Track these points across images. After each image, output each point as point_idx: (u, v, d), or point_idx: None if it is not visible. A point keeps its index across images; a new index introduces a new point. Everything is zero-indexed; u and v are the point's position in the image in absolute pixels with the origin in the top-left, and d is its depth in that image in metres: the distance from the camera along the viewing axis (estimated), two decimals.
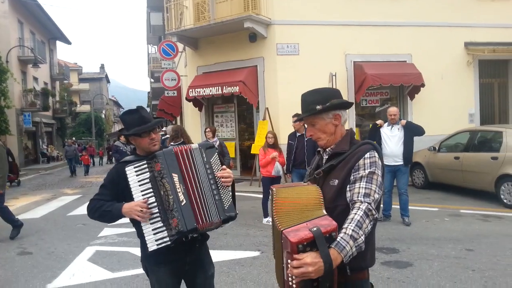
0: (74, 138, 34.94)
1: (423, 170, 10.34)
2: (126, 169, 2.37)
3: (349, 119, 12.04)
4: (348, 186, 1.85)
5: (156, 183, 2.34)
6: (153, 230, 2.31)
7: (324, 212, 1.77)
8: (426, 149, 10.21)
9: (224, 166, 2.45)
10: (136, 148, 2.58)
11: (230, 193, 2.40)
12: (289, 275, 1.66)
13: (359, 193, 1.80)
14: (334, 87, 9.98)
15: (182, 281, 2.65)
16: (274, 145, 7.31)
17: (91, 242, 6.59)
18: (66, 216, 9.00)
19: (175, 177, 2.32)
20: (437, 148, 9.88)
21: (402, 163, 6.87)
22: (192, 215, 2.30)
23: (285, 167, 7.48)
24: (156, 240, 2.30)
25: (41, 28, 32.20)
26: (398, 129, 6.99)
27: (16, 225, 7.06)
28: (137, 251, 5.78)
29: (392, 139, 6.93)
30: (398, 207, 7.07)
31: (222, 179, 2.38)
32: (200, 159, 2.40)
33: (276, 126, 11.46)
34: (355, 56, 12.24)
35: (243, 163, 13.84)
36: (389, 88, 12.63)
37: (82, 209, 9.77)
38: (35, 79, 30.99)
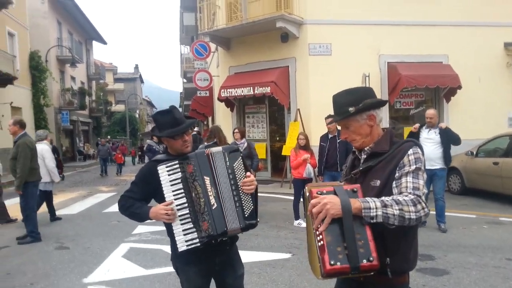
0: (109, 137, 35.76)
1: (459, 175, 10.02)
2: (158, 168, 2.38)
3: (383, 122, 11.81)
4: (394, 183, 1.80)
5: (187, 184, 2.34)
6: (183, 230, 2.33)
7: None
8: (463, 154, 9.88)
9: (248, 173, 2.40)
10: (168, 148, 2.58)
11: (252, 200, 2.37)
12: (316, 234, 1.66)
13: (407, 187, 1.75)
14: None
15: (212, 280, 2.66)
16: (306, 147, 7.27)
17: (125, 239, 6.74)
18: (102, 213, 9.25)
19: (207, 180, 2.33)
20: (474, 153, 9.55)
21: (438, 167, 6.66)
22: (222, 219, 2.31)
23: (316, 169, 7.42)
24: (186, 241, 2.32)
25: (78, 28, 33.32)
26: (435, 132, 6.76)
27: (31, 235, 6.68)
28: (169, 249, 5.90)
29: (428, 142, 6.73)
30: (434, 213, 6.88)
31: (244, 187, 2.35)
32: (222, 163, 2.37)
33: (307, 127, 11.39)
34: (389, 56, 12.01)
35: (274, 164, 13.82)
36: (424, 90, 12.32)
37: (117, 207, 10.02)
38: (73, 78, 32.08)
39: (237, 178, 2.37)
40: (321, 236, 1.63)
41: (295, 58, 12.22)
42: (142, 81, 70.55)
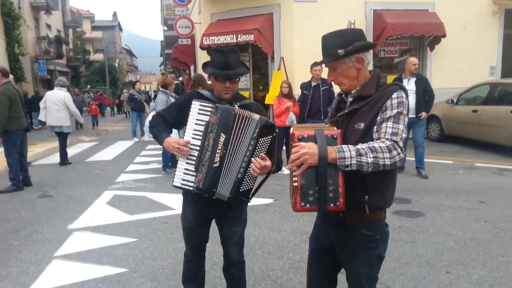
0: (89, 87, 34.54)
1: (439, 123, 10.20)
2: (193, 101, 2.36)
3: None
4: (375, 127, 1.82)
5: (207, 131, 2.31)
6: (185, 169, 2.35)
7: (335, 129, 1.82)
8: (444, 102, 10.01)
9: (265, 156, 2.26)
10: (214, 88, 2.54)
11: (255, 180, 2.32)
12: (294, 178, 1.74)
13: (386, 132, 1.77)
14: None
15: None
16: (289, 95, 7.24)
17: (108, 186, 6.77)
18: (84, 162, 9.22)
19: (222, 138, 2.28)
20: (455, 101, 9.68)
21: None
22: (217, 180, 2.30)
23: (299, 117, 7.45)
24: (182, 180, 2.35)
25: None
26: (415, 82, 6.79)
27: (13, 183, 6.69)
28: (153, 196, 6.00)
29: (409, 92, 6.77)
30: (413, 159, 7.06)
31: (253, 166, 2.24)
32: (250, 132, 2.26)
33: (291, 76, 11.27)
34: (375, 4, 11.75)
35: None
36: (409, 39, 12.20)
37: (100, 155, 10.01)
38: (48, 26, 30.73)
39: (255, 154, 2.26)
40: (296, 179, 1.72)
41: (280, 5, 11.86)
42: (121, 29, 68.05)
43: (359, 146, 1.71)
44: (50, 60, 28.46)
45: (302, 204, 1.72)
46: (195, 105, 2.34)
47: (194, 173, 2.33)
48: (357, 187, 1.80)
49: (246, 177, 2.30)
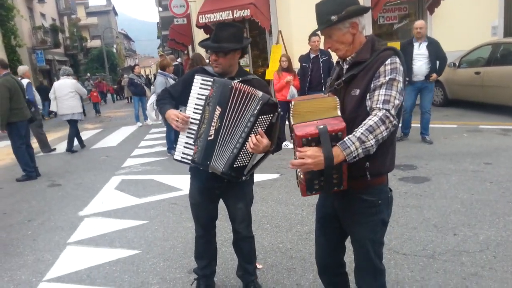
0: (89, 74, 34.33)
1: (442, 88, 10.10)
2: (195, 76, 2.39)
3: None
4: (368, 95, 1.81)
5: (205, 105, 2.34)
6: (185, 142, 2.40)
7: (339, 113, 1.77)
8: (446, 66, 9.87)
9: (262, 133, 2.23)
10: None
11: (250, 157, 2.31)
12: (298, 172, 1.79)
13: (378, 100, 1.76)
14: None
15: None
16: (289, 69, 7.19)
17: (116, 172, 6.84)
18: (90, 150, 9.28)
19: (218, 111, 2.29)
20: (457, 64, 9.56)
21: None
22: (211, 153, 2.32)
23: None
24: (182, 153, 2.41)
25: None
26: (425, 46, 6.72)
27: (25, 171, 6.85)
28: (160, 178, 6.05)
29: (420, 56, 6.71)
30: (418, 125, 7.03)
31: (249, 143, 2.22)
32: (251, 108, 2.25)
33: (290, 49, 11.16)
34: None
35: None
36: (408, 3, 11.99)
37: (104, 142, 10.06)
38: (43, 15, 30.44)
39: (253, 131, 2.24)
40: (301, 173, 1.77)
41: None
42: (116, 14, 67.32)
43: (359, 132, 1.69)
44: (48, 49, 28.30)
45: (308, 192, 1.80)
46: (197, 80, 2.36)
47: (193, 146, 2.37)
48: None
49: (241, 153, 2.29)
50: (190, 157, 2.38)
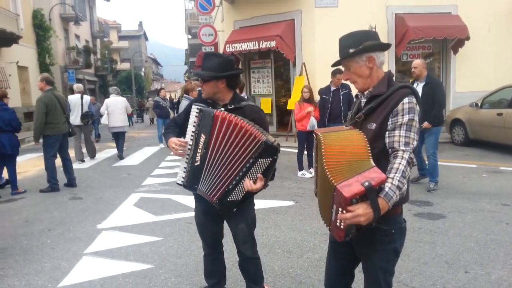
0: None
1: (463, 127, 10.07)
2: (193, 105, 2.56)
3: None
4: (387, 133, 1.91)
5: (195, 132, 2.49)
6: (184, 168, 2.55)
7: (373, 163, 1.80)
8: (468, 105, 9.90)
9: (260, 177, 2.33)
10: None
11: (243, 194, 2.41)
12: (338, 219, 1.79)
13: (399, 141, 1.87)
14: None
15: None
16: (310, 100, 7.34)
17: (135, 189, 7.01)
18: (112, 167, 9.53)
19: (202, 138, 2.44)
20: (479, 104, 9.55)
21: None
22: (198, 178, 2.47)
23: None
24: (182, 177, 2.58)
25: None
26: (423, 87, 6.17)
27: (51, 185, 7.12)
28: (178, 198, 6.18)
29: None
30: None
31: (246, 183, 2.35)
32: (251, 148, 2.30)
33: (312, 81, 11.38)
34: (397, 7, 11.78)
35: (279, 119, 13.94)
36: (432, 42, 12.15)
37: (126, 161, 10.31)
38: (77, 37, 31.77)
39: (251, 171, 2.34)
40: (342, 222, 1.79)
41: (301, 11, 12.03)
42: (146, 39, 69.57)
43: (396, 180, 1.78)
44: (79, 69, 29.39)
45: (347, 238, 1.84)
46: (194, 108, 2.52)
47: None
48: None
49: (236, 188, 2.41)
50: (183, 180, 2.56)
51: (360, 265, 2.20)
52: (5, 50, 18.73)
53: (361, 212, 1.69)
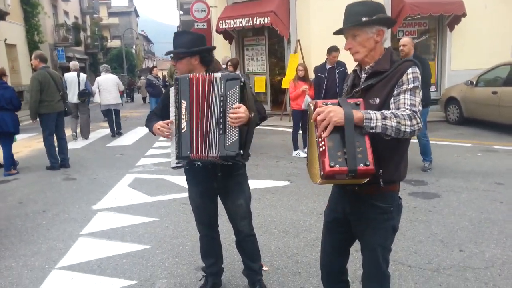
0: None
1: (458, 106, 10.07)
2: (170, 89, 2.55)
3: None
4: (392, 99, 1.87)
5: (176, 105, 2.46)
6: (175, 149, 2.49)
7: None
8: (463, 84, 9.87)
9: (237, 104, 2.32)
10: None
11: (237, 130, 2.33)
12: (319, 141, 1.76)
13: (404, 103, 1.82)
14: None
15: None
16: (305, 78, 7.26)
17: (129, 170, 6.97)
18: (105, 147, 9.46)
19: (183, 104, 2.40)
20: (474, 83, 9.53)
21: None
22: (188, 143, 2.39)
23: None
24: (175, 159, 2.52)
25: None
26: None
27: (51, 163, 7.18)
28: (173, 179, 6.15)
29: None
30: (432, 142, 7.02)
31: (229, 118, 2.32)
32: (217, 90, 2.35)
33: (307, 59, 11.26)
34: None
35: (273, 98, 13.85)
36: (428, 19, 12.03)
37: (120, 141, 10.24)
38: (66, 13, 31.08)
39: (228, 106, 2.33)
40: (323, 142, 1.74)
41: None
42: (137, 15, 68.26)
43: (383, 111, 1.77)
44: (69, 47, 28.86)
45: (332, 164, 1.68)
46: (171, 91, 2.51)
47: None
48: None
49: (228, 130, 2.34)
50: (175, 157, 2.48)
51: (356, 245, 2.20)
52: None
53: (331, 108, 1.72)
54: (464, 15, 11.07)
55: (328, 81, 7.11)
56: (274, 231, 4.16)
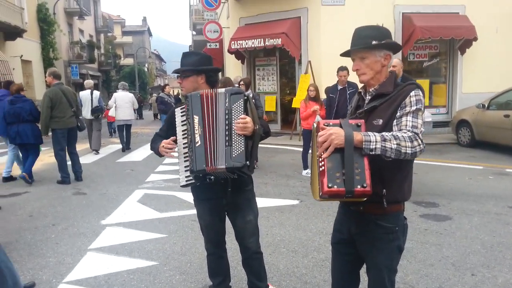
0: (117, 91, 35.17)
1: (470, 128, 10.00)
2: (175, 110, 2.60)
3: None
4: (395, 121, 1.91)
5: (187, 121, 2.48)
6: (184, 167, 2.51)
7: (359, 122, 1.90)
8: (475, 106, 9.83)
9: (243, 115, 2.38)
10: None
11: (243, 142, 2.37)
12: (319, 160, 1.81)
13: (406, 125, 1.87)
14: None
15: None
16: (316, 98, 7.30)
17: (139, 186, 6.99)
18: (115, 162, 9.53)
19: (196, 119, 2.43)
20: (486, 106, 9.49)
21: None
22: (203, 157, 2.40)
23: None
24: (186, 177, 2.52)
25: None
26: None
27: (62, 177, 7.26)
28: (182, 195, 6.15)
29: None
30: (437, 163, 6.97)
31: (235, 127, 2.36)
32: (222, 104, 2.42)
33: (318, 80, 11.32)
34: (404, 7, 11.71)
35: (283, 117, 13.89)
36: (439, 42, 12.08)
37: (130, 156, 10.31)
38: (81, 31, 31.77)
39: (233, 119, 2.38)
40: (323, 162, 1.79)
41: (307, 9, 11.97)
42: (150, 34, 69.54)
43: (384, 133, 1.81)
44: (83, 64, 29.40)
45: (330, 185, 1.73)
46: (177, 111, 2.57)
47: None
48: (374, 180, 1.83)
49: (234, 142, 2.38)
50: (189, 172, 2.49)
51: (364, 266, 2.18)
52: (9, 44, 18.74)
53: (333, 131, 1.77)
54: (475, 39, 11.10)
55: (339, 102, 7.13)
56: (283, 250, 4.12)
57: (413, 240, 4.22)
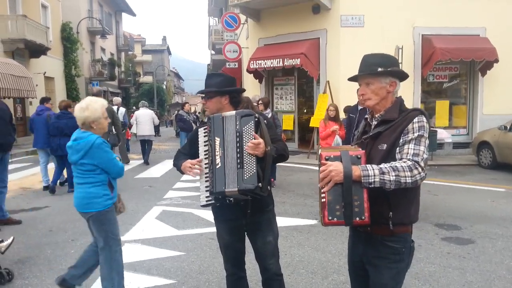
0: (134, 108, 35.84)
1: (491, 150, 9.83)
2: (198, 130, 2.62)
3: (414, 95, 11.64)
4: (397, 149, 1.96)
5: (209, 142, 2.51)
6: (205, 187, 2.52)
7: (360, 149, 1.97)
8: (496, 128, 9.68)
9: (256, 135, 2.37)
10: None
11: (255, 164, 2.36)
12: (321, 191, 1.89)
13: (408, 153, 1.91)
14: (400, 61, 9.63)
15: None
16: (335, 118, 7.30)
17: (157, 202, 7.03)
18: (134, 178, 9.61)
19: (217, 141, 2.45)
20: (508, 128, 9.33)
21: None
22: (223, 179, 2.41)
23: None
24: (206, 197, 2.52)
25: (108, 0, 33.58)
26: None
27: None
28: (200, 213, 6.15)
29: None
30: (456, 185, 6.85)
31: (247, 147, 2.35)
32: (233, 126, 2.42)
33: (336, 100, 11.32)
34: (424, 29, 11.70)
35: (301, 136, 13.89)
36: (459, 63, 11.99)
37: (149, 173, 10.39)
38: (103, 50, 32.58)
39: (244, 141, 2.38)
40: (324, 195, 1.88)
41: (326, 30, 12.07)
42: (169, 53, 70.84)
43: (382, 165, 1.86)
44: (103, 81, 30.05)
45: (330, 218, 1.87)
46: (200, 131, 2.58)
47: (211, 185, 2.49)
48: (381, 204, 1.94)
49: (245, 164, 2.37)
50: (209, 193, 2.49)
51: None
52: (33, 61, 19.31)
53: (332, 167, 1.85)
54: (496, 61, 10.99)
55: (359, 122, 7.10)
56: (302, 271, 4.06)
57: (435, 263, 4.12)
